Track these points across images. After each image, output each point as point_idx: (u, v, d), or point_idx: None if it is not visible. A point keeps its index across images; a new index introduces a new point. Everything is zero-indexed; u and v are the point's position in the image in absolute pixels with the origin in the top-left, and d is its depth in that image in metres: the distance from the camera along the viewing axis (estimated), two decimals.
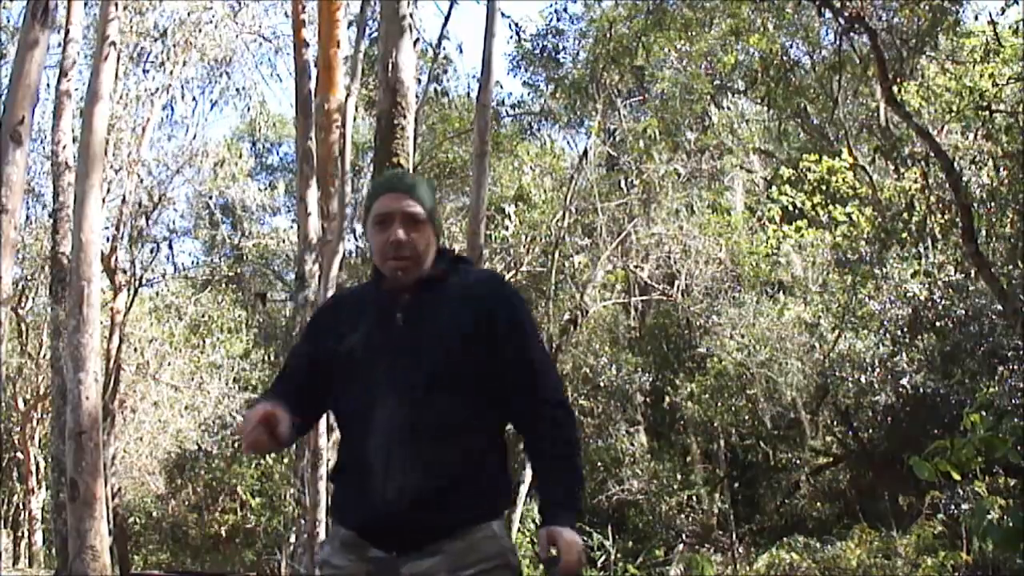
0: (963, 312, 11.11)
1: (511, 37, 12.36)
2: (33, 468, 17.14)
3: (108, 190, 13.50)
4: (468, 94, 14.95)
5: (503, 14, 11.43)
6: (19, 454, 17.56)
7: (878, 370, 11.57)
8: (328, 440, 8.64)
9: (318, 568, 2.33)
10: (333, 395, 2.35)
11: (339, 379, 2.31)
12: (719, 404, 13.11)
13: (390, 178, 2.55)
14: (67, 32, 10.17)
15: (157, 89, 15.03)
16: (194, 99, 16.11)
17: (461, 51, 22.82)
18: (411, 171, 6.19)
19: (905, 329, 11.70)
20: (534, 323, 2.41)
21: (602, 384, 13.77)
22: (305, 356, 2.43)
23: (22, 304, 16.61)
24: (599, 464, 13.17)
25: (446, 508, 2.17)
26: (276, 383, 2.47)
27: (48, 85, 11.86)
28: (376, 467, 2.17)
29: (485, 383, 2.25)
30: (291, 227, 17.42)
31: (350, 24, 10.03)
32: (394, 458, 2.15)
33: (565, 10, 15.04)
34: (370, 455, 2.18)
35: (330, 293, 8.27)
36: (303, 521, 8.78)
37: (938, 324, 11.40)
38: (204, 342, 17.62)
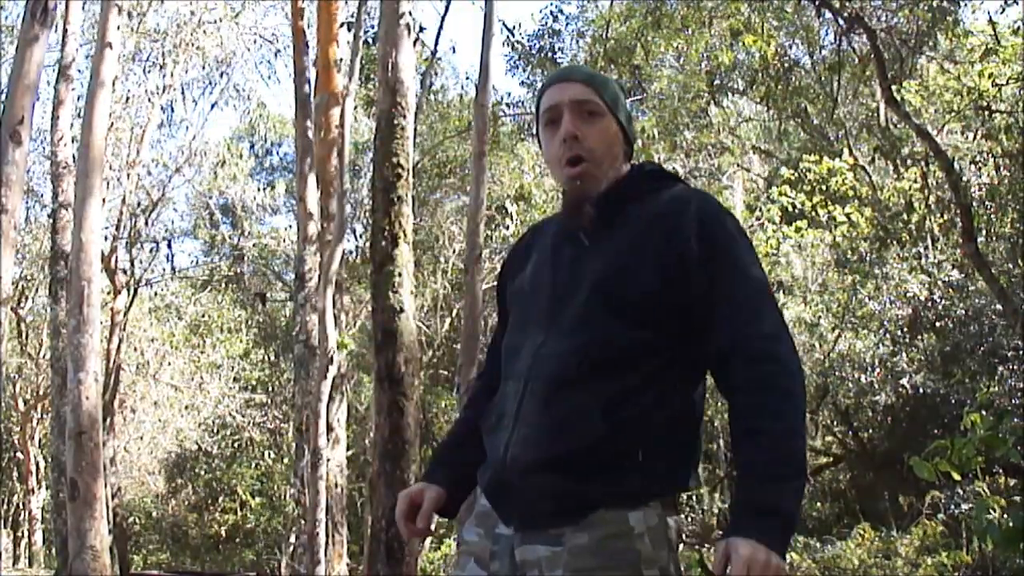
0: (963, 312, 11.10)
1: (504, 41, 12.37)
2: (33, 468, 17.15)
3: (108, 190, 13.49)
4: (462, 97, 14.98)
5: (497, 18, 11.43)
6: (19, 454, 17.57)
7: (878, 370, 11.57)
8: (328, 440, 8.64)
9: (456, 545, 1.95)
10: None
11: (511, 318, 1.93)
12: (719, 404, 13.11)
13: (561, 69, 2.04)
14: (66, 31, 10.17)
15: (157, 89, 15.05)
16: (194, 99, 16.16)
17: (455, 51, 22.83)
18: (410, 171, 6.19)
19: (905, 329, 11.69)
20: (748, 248, 1.80)
21: None
22: (501, 314, 2.02)
23: (22, 304, 16.62)
24: None
25: (569, 479, 1.67)
26: (486, 364, 2.09)
27: (48, 82, 11.88)
28: (506, 419, 1.77)
29: (668, 322, 1.73)
30: (291, 227, 17.42)
31: (349, 26, 10.03)
32: (524, 407, 1.74)
33: (560, 11, 15.04)
34: (506, 403, 1.79)
35: (330, 292, 8.27)
36: (303, 521, 8.78)
37: (938, 324, 11.39)
38: (204, 342, 17.64)
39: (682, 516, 11.67)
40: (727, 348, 1.70)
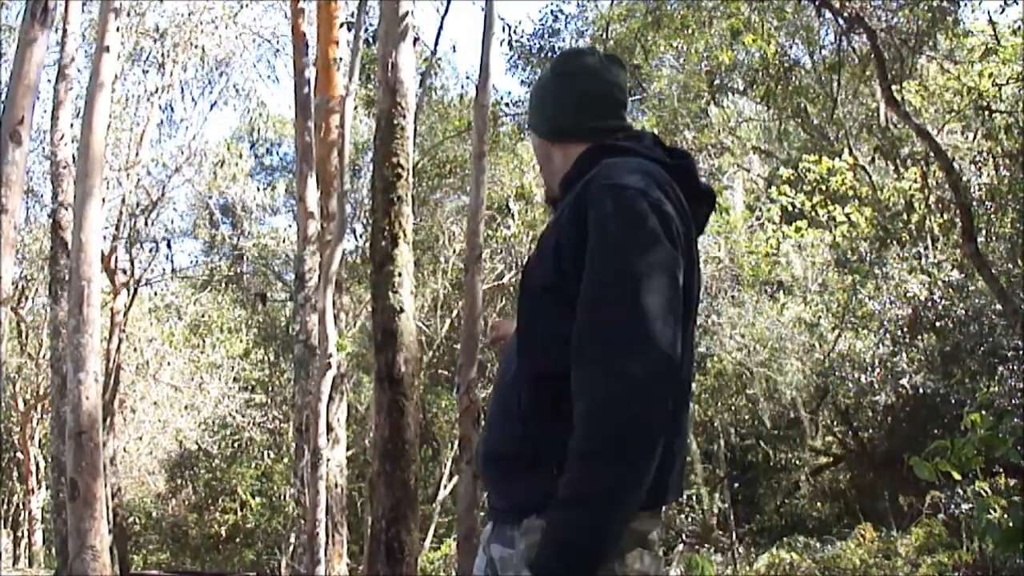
0: (963, 312, 11.11)
1: (502, 41, 12.36)
2: (33, 468, 17.15)
3: (108, 190, 13.49)
4: (462, 97, 14.98)
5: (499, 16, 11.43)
6: (19, 454, 17.57)
7: (878, 370, 11.57)
8: (328, 440, 8.63)
9: None
10: None
11: None
12: (719, 404, 13.12)
13: None
14: (65, 31, 10.17)
15: (156, 89, 15.05)
16: (193, 99, 16.15)
17: (455, 50, 22.84)
18: (410, 171, 6.19)
19: (905, 329, 11.69)
20: (622, 229, 1.52)
21: None
22: None
23: (22, 304, 16.62)
24: None
25: (499, 477, 1.65)
26: None
27: (49, 81, 11.88)
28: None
29: (567, 311, 1.54)
30: (291, 227, 17.43)
31: (349, 26, 10.03)
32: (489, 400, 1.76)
33: (560, 11, 15.04)
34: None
35: (330, 292, 8.26)
36: (303, 521, 8.77)
37: (938, 324, 11.40)
38: (204, 342, 17.64)
39: (683, 516, 11.59)
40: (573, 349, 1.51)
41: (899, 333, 11.79)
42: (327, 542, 8.59)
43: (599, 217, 1.54)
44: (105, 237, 13.54)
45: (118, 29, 8.25)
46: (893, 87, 9.70)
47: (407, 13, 6.31)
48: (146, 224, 16.39)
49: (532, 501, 1.53)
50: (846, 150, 13.05)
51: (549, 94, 1.89)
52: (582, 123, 1.82)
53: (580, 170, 1.72)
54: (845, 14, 9.53)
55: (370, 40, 10.04)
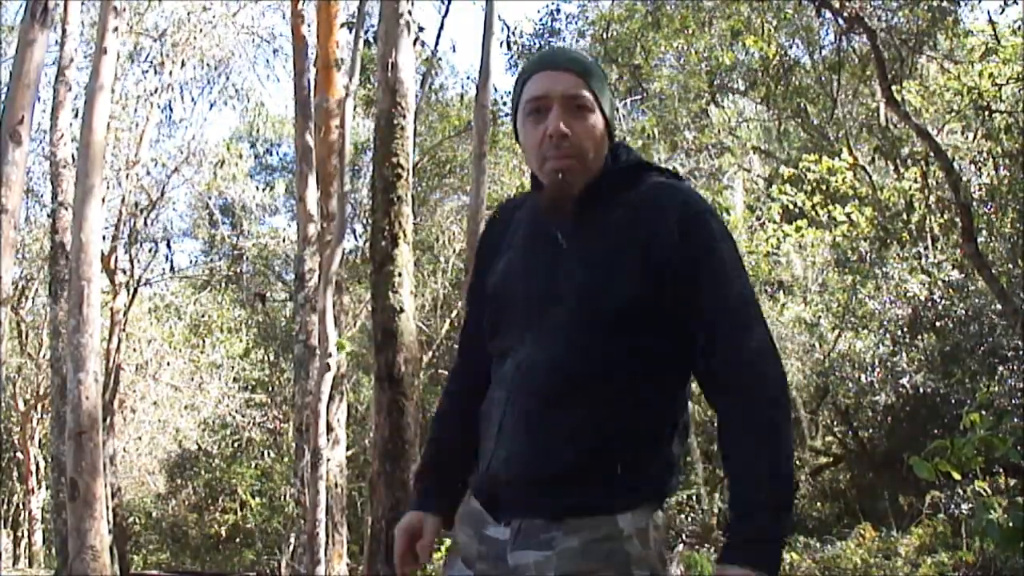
0: (963, 312, 11.10)
1: (502, 41, 12.35)
2: (33, 468, 17.15)
3: (107, 190, 13.49)
4: (462, 96, 14.97)
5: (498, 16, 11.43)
6: (19, 454, 17.57)
7: (878, 370, 11.57)
8: (328, 440, 8.63)
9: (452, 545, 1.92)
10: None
11: (486, 319, 1.85)
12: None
13: (547, 52, 1.90)
14: (64, 31, 10.16)
15: (156, 89, 15.04)
16: (193, 99, 16.14)
17: (455, 50, 22.82)
18: (410, 171, 6.19)
19: (905, 329, 11.69)
20: (733, 252, 1.73)
21: None
22: (475, 302, 1.95)
23: (22, 304, 16.62)
24: None
25: (558, 487, 1.66)
26: (459, 356, 2.04)
27: (48, 83, 11.87)
28: (494, 426, 1.74)
29: (649, 330, 1.69)
30: (291, 227, 17.42)
31: (350, 26, 10.02)
32: (508, 417, 1.71)
33: (558, 10, 15.04)
34: (493, 409, 1.76)
35: (330, 292, 8.26)
36: (303, 521, 8.77)
37: (938, 324, 11.39)
38: (204, 342, 17.63)
39: (683, 516, 11.58)
40: (713, 364, 1.68)
41: (899, 333, 11.78)
42: (327, 542, 8.59)
43: (712, 234, 1.72)
44: (105, 237, 13.53)
45: (116, 28, 8.25)
46: (893, 87, 9.70)
47: (407, 13, 6.31)
48: (146, 224, 16.39)
49: (611, 497, 1.66)
50: (846, 150, 13.05)
51: (609, 92, 1.83)
52: (615, 133, 1.84)
53: (627, 181, 1.78)
54: (845, 14, 9.53)
55: (370, 40, 10.03)
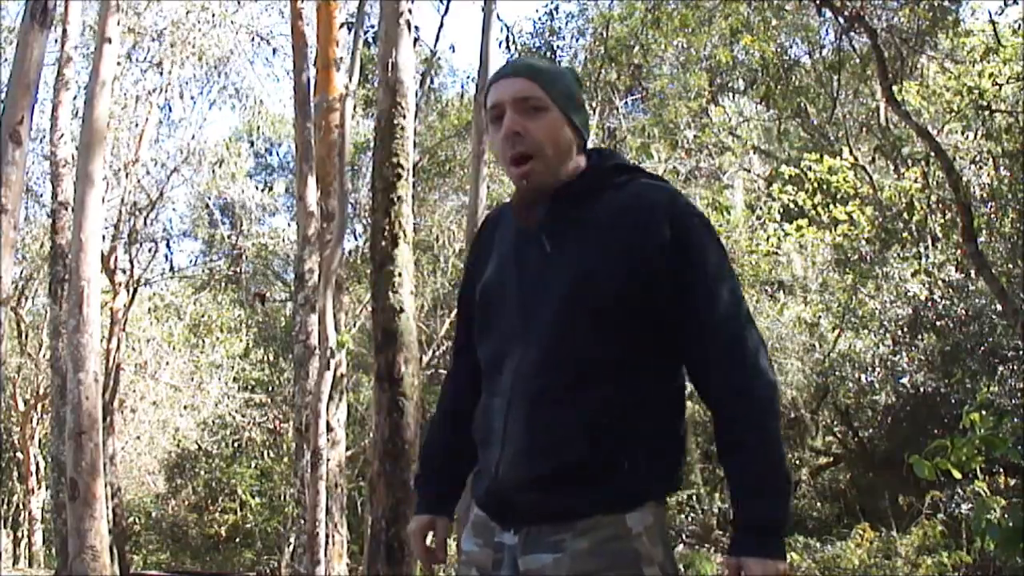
0: (963, 312, 11.10)
1: (502, 42, 12.36)
2: (33, 468, 17.14)
3: (107, 190, 13.48)
4: (462, 96, 14.96)
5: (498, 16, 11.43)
6: (19, 454, 17.56)
7: (878, 370, 11.56)
8: (328, 440, 8.63)
9: (458, 554, 1.96)
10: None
11: (477, 325, 1.88)
12: None
13: (505, 64, 1.95)
14: (64, 30, 10.16)
15: (155, 89, 15.04)
16: (192, 99, 16.14)
17: (454, 50, 22.82)
18: (410, 171, 6.18)
19: (905, 329, 11.69)
20: (721, 252, 1.78)
21: None
22: (466, 305, 1.96)
23: (22, 304, 16.62)
24: None
25: (560, 495, 1.69)
26: (454, 359, 2.07)
27: (46, 83, 11.87)
28: (494, 435, 1.76)
29: (641, 327, 1.72)
30: (290, 227, 17.41)
31: (349, 26, 10.03)
32: (511, 421, 1.73)
33: (557, 9, 15.02)
34: (493, 417, 1.77)
35: (330, 293, 8.26)
36: (303, 521, 8.77)
37: (938, 324, 11.39)
38: (204, 342, 17.62)
39: (683, 515, 11.58)
40: (705, 363, 1.74)
41: (899, 333, 11.78)
42: (327, 542, 8.59)
43: (702, 240, 1.75)
44: (105, 237, 13.52)
45: (119, 23, 8.25)
46: (893, 87, 9.68)
47: (407, 13, 6.31)
48: (145, 224, 16.38)
49: (618, 496, 1.69)
50: (846, 150, 13.05)
51: (574, 87, 1.85)
52: (587, 134, 1.87)
53: (606, 182, 1.80)
54: (845, 13, 9.52)
55: (370, 40, 10.03)
